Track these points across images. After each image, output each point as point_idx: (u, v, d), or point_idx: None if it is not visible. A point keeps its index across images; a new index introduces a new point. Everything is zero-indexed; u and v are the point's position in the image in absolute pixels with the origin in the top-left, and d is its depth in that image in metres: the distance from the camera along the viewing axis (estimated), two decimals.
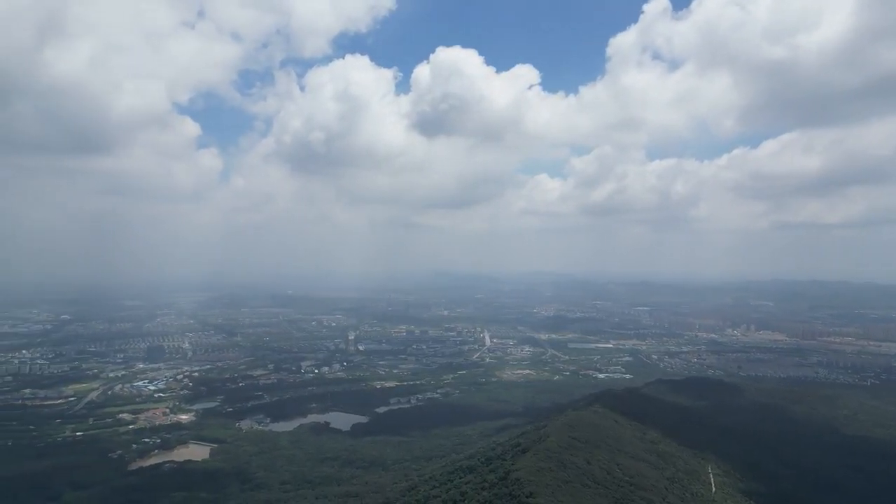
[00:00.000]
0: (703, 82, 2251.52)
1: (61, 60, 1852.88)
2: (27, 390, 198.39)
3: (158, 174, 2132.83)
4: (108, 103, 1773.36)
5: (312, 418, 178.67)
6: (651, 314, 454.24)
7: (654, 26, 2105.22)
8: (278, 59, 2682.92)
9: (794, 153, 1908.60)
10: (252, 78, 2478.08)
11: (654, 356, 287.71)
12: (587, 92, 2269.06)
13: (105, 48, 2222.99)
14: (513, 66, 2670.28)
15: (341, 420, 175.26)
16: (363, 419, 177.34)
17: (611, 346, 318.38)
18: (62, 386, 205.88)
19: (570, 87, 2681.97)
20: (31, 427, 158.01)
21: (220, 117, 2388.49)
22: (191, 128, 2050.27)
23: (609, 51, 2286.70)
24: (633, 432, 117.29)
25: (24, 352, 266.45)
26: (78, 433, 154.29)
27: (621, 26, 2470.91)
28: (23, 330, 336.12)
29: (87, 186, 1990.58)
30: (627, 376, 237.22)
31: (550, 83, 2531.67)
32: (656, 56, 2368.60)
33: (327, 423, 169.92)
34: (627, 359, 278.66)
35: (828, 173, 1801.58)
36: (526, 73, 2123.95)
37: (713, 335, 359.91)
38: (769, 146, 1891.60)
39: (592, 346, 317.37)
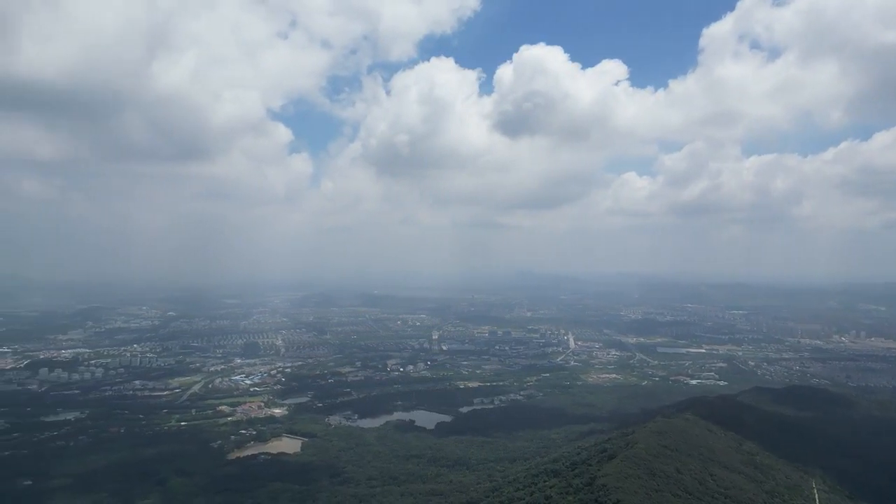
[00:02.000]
0: (806, 71, 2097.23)
1: (167, 73, 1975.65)
2: (137, 382, 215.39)
3: (254, 179, 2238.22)
4: (208, 112, 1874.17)
5: (398, 416, 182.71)
6: (748, 318, 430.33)
7: (752, 14, 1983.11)
8: (365, 65, 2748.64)
9: None
10: (340, 84, 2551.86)
11: (750, 363, 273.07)
12: (677, 85, 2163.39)
13: (206, 60, 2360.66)
14: (599, 61, 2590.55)
15: (426, 418, 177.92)
16: (447, 418, 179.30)
17: (703, 351, 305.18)
18: (168, 378, 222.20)
19: (660, 82, 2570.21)
20: (141, 416, 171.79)
21: (311, 123, 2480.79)
22: (283, 134, 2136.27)
23: (702, 42, 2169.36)
24: (727, 442, 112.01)
25: (134, 346, 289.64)
26: (182, 423, 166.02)
27: (716, 16, 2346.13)
28: (134, 325, 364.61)
29: (189, 191, 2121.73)
30: (721, 383, 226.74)
31: (638, 78, 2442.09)
32: (754, 45, 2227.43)
33: (412, 421, 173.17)
34: (721, 365, 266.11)
35: None
36: (613, 69, 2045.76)
37: (817, 341, 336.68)
38: (881, 138, 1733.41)
39: (683, 350, 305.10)
